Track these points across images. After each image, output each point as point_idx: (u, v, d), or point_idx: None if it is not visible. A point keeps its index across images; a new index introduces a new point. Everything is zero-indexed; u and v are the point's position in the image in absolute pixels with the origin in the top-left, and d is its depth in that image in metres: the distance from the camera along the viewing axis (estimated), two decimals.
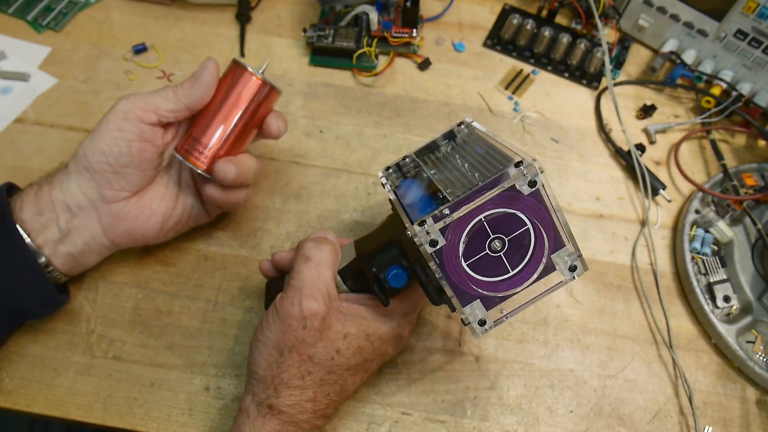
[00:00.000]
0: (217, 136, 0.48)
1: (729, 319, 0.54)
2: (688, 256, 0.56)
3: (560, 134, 0.65)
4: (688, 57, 0.67)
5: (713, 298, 0.55)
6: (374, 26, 0.67)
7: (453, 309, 0.41)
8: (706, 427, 0.51)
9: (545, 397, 0.51)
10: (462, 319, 0.40)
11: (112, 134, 0.46)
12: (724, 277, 0.56)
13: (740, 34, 0.62)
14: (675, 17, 0.66)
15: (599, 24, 0.68)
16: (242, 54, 0.68)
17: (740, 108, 0.64)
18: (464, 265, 0.39)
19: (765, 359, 0.52)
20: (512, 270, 0.40)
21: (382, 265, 0.44)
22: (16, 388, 0.49)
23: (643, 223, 0.60)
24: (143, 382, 0.49)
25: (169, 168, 0.52)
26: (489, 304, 0.40)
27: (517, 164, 0.38)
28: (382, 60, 0.68)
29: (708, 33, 0.65)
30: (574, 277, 0.41)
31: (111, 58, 0.67)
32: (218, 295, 0.54)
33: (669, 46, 0.68)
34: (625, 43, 0.71)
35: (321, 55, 0.68)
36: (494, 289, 0.40)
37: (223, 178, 0.48)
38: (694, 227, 0.58)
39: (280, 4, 0.72)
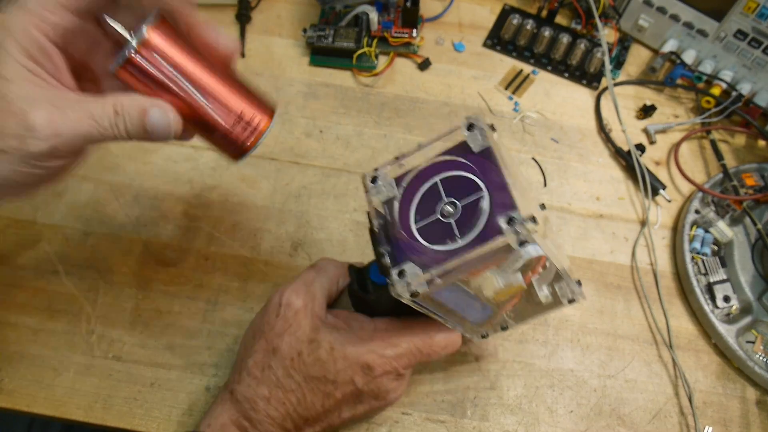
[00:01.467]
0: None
1: (729, 319, 0.54)
2: (688, 256, 0.56)
3: (560, 134, 0.65)
4: (688, 57, 0.67)
5: (713, 298, 0.55)
6: (374, 26, 0.67)
7: (386, 272, 0.37)
8: (706, 427, 0.51)
9: (545, 397, 0.51)
10: (391, 280, 0.36)
11: (27, 171, 0.36)
12: (724, 277, 0.56)
13: (740, 34, 0.62)
14: (675, 17, 0.66)
15: (599, 24, 0.68)
16: (242, 54, 0.68)
17: (740, 108, 0.64)
18: (413, 228, 0.37)
19: (765, 359, 0.52)
20: (461, 239, 0.36)
21: (368, 265, 0.44)
22: (16, 388, 0.49)
23: (643, 223, 0.60)
24: (143, 382, 0.49)
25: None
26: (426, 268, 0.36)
27: (470, 127, 0.38)
28: (382, 60, 0.68)
29: (708, 33, 0.65)
30: (522, 243, 0.34)
31: None
32: (218, 295, 0.54)
33: (669, 46, 0.68)
34: (625, 43, 0.71)
35: (321, 55, 0.68)
36: (439, 259, 0.36)
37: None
38: (694, 227, 0.58)
39: (280, 4, 0.72)
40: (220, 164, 0.60)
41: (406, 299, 0.36)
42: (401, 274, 0.36)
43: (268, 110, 0.40)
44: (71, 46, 0.36)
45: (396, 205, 0.39)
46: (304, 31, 0.68)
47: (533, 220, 0.33)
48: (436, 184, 0.38)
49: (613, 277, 0.57)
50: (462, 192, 0.37)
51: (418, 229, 0.37)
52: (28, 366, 0.50)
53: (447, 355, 0.45)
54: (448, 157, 0.38)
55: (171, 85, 0.36)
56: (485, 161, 0.37)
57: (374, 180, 0.40)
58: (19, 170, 0.35)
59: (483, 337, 0.46)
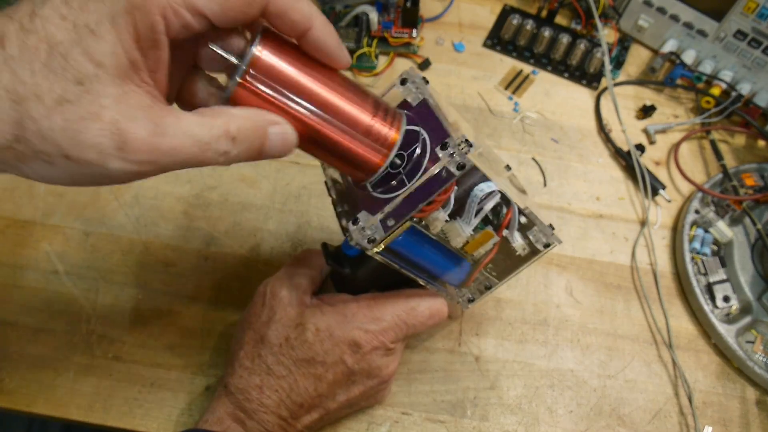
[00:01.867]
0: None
1: (729, 319, 0.54)
2: (687, 256, 0.56)
3: (560, 134, 0.65)
4: (688, 57, 0.67)
5: (713, 298, 0.55)
6: (374, 26, 0.67)
7: (344, 229, 0.37)
8: (706, 427, 0.51)
9: (545, 397, 0.51)
10: (347, 227, 0.36)
11: (78, 179, 0.29)
12: (724, 277, 0.56)
13: (740, 34, 0.62)
14: (675, 17, 0.66)
15: (599, 24, 0.68)
16: None
17: (740, 108, 0.64)
18: (368, 185, 0.37)
19: (765, 359, 0.52)
20: (408, 183, 0.36)
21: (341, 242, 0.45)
22: (16, 388, 0.49)
23: (643, 223, 0.60)
24: (143, 382, 0.49)
25: None
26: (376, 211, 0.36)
27: (403, 81, 0.39)
28: (382, 60, 0.68)
29: (708, 33, 0.65)
30: (461, 167, 0.34)
31: None
32: (218, 295, 0.54)
33: (669, 47, 0.68)
34: (624, 43, 0.71)
35: None
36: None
37: None
38: (694, 227, 0.58)
39: None
40: None
41: (367, 250, 0.36)
42: (355, 221, 0.36)
43: (397, 118, 0.36)
44: (183, 40, 0.29)
45: None
46: None
47: (467, 143, 0.34)
48: None
49: (613, 277, 0.57)
50: (408, 144, 0.37)
51: (371, 186, 0.37)
52: (28, 366, 0.50)
53: (434, 325, 0.45)
54: None
55: (289, 103, 0.32)
56: (425, 112, 0.38)
57: None
58: (75, 179, 0.28)
59: (470, 301, 0.46)
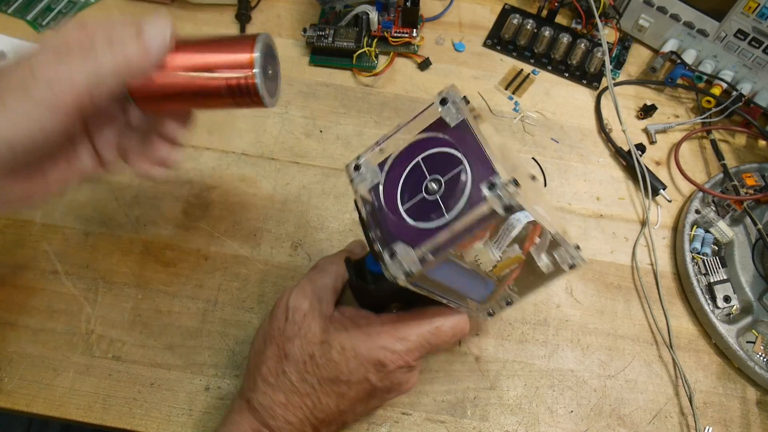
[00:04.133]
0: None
1: (729, 319, 0.54)
2: (688, 256, 0.56)
3: (560, 134, 0.65)
4: (689, 57, 0.67)
5: (713, 298, 0.55)
6: (374, 26, 0.67)
7: (378, 257, 0.36)
8: (707, 428, 0.50)
9: (545, 397, 0.51)
10: (383, 262, 0.36)
11: (27, 130, 0.33)
12: (725, 277, 0.56)
13: (740, 34, 0.62)
14: (675, 17, 0.66)
15: (599, 24, 0.68)
16: None
17: (740, 108, 0.64)
18: (401, 209, 0.37)
19: (765, 359, 0.52)
20: (448, 214, 0.35)
21: (364, 256, 0.44)
22: (16, 388, 0.49)
23: (644, 223, 0.60)
24: (143, 382, 0.49)
25: None
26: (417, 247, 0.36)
27: (443, 101, 0.38)
28: (382, 60, 0.68)
29: (708, 33, 0.65)
30: (507, 209, 0.33)
31: None
32: (218, 295, 0.54)
33: (669, 46, 0.68)
34: (625, 43, 0.71)
35: (321, 55, 0.68)
36: (431, 236, 0.35)
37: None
38: (695, 227, 0.58)
39: (280, 4, 0.72)
40: (220, 164, 0.60)
41: (401, 281, 0.35)
42: (392, 255, 0.35)
43: (244, 43, 0.39)
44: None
45: (381, 189, 0.39)
46: (304, 31, 0.68)
47: (515, 182, 0.33)
48: (418, 163, 0.38)
49: (613, 277, 0.57)
50: (445, 168, 0.36)
51: (405, 210, 0.37)
52: (28, 366, 0.49)
53: (456, 342, 0.45)
54: (427, 135, 0.39)
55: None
56: (463, 134, 0.37)
57: (357, 168, 0.40)
58: (23, 130, 0.32)
59: (490, 315, 0.46)
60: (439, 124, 0.38)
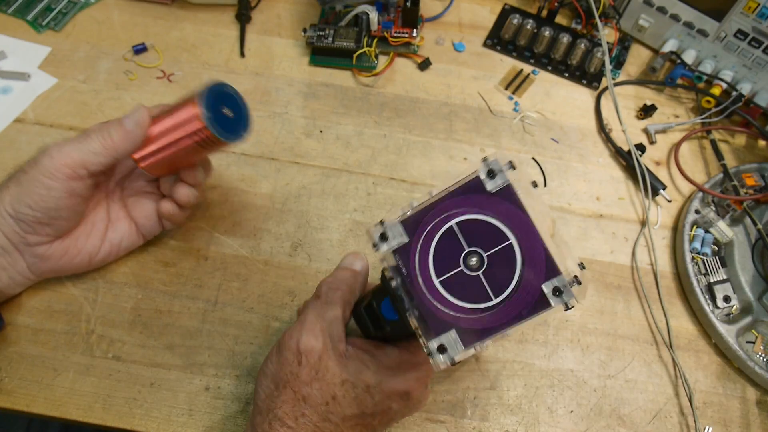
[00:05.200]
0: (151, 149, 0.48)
1: (729, 319, 0.54)
2: (688, 256, 0.56)
3: (560, 134, 0.65)
4: (688, 57, 0.67)
5: (713, 298, 0.55)
6: (374, 26, 0.67)
7: (412, 332, 0.35)
8: (706, 428, 0.50)
9: (545, 397, 0.51)
10: (428, 350, 0.35)
11: (39, 191, 0.45)
12: (724, 277, 0.56)
13: (740, 34, 0.62)
14: (675, 17, 0.66)
15: (599, 24, 0.68)
16: (242, 54, 0.68)
17: (740, 108, 0.64)
18: (435, 281, 0.35)
19: (765, 359, 0.52)
20: (495, 297, 0.34)
21: (377, 295, 0.42)
22: (16, 388, 0.48)
23: (643, 223, 0.60)
24: (143, 382, 0.49)
25: (96, 206, 0.51)
26: (466, 338, 0.34)
27: (490, 173, 0.35)
28: (382, 60, 0.68)
29: (708, 33, 0.65)
30: (569, 308, 0.33)
31: (111, 58, 0.66)
32: (218, 295, 0.54)
33: (669, 46, 0.68)
34: (625, 43, 0.71)
35: (321, 55, 0.68)
36: (471, 318, 0.34)
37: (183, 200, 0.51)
38: (694, 227, 0.58)
39: (280, 4, 0.72)
40: (220, 164, 0.60)
41: (444, 366, 0.35)
42: (441, 349, 0.34)
43: (189, 100, 0.46)
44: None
45: (412, 255, 0.36)
46: (304, 31, 0.68)
47: (577, 280, 0.32)
48: (451, 228, 0.35)
49: (613, 277, 0.57)
50: (485, 239, 0.34)
51: (441, 282, 0.35)
52: (28, 366, 0.49)
53: None
54: (460, 196, 0.35)
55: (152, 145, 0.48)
56: (504, 202, 0.34)
57: (384, 237, 0.37)
58: (36, 190, 0.45)
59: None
60: (473, 185, 0.35)
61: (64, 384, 0.49)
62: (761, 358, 0.52)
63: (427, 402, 0.46)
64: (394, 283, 0.36)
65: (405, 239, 0.36)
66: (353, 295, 0.44)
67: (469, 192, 0.35)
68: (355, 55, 0.66)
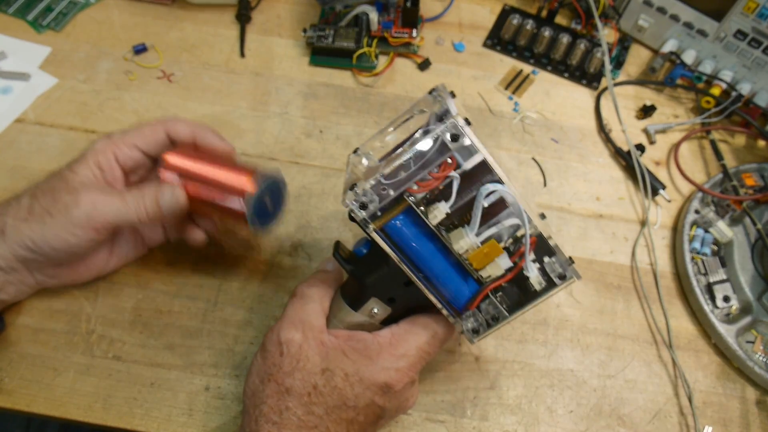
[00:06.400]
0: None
1: (729, 319, 0.54)
2: (687, 256, 0.56)
3: (560, 134, 0.65)
4: (688, 57, 0.67)
5: (713, 298, 0.55)
6: (374, 26, 0.67)
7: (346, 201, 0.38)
8: (706, 427, 0.51)
9: (545, 397, 0.51)
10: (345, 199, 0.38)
11: (66, 238, 0.45)
12: (724, 277, 0.56)
13: (740, 34, 0.62)
14: (675, 17, 0.66)
15: (599, 24, 0.68)
16: (242, 54, 0.68)
17: (740, 108, 0.64)
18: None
19: (765, 359, 0.52)
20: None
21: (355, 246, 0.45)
22: (16, 388, 0.49)
23: (643, 223, 0.60)
24: (143, 382, 0.49)
25: None
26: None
27: (440, 117, 0.39)
28: (382, 60, 0.68)
29: (708, 33, 0.65)
30: (455, 137, 0.36)
31: (111, 58, 0.67)
32: (218, 295, 0.54)
33: (669, 47, 0.68)
34: (625, 43, 0.71)
35: (321, 55, 0.68)
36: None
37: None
38: (694, 227, 0.58)
39: (280, 4, 0.72)
40: None
41: (366, 227, 0.37)
42: (352, 187, 0.37)
43: (248, 174, 0.46)
44: (131, 167, 0.50)
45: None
46: (304, 31, 0.68)
47: (466, 120, 0.35)
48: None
49: (613, 277, 0.57)
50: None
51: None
52: (28, 366, 0.50)
53: (446, 344, 0.45)
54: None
55: (186, 178, 0.48)
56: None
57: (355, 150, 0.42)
58: (61, 236, 0.45)
59: (475, 332, 0.43)
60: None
61: (65, 384, 0.49)
62: (761, 358, 0.52)
63: (416, 402, 0.46)
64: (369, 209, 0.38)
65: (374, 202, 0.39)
66: (328, 291, 0.45)
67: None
68: (355, 55, 0.66)
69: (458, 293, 0.42)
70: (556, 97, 0.67)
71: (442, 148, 0.36)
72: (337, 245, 0.45)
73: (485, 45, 0.71)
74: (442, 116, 0.39)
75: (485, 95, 0.67)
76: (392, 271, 0.41)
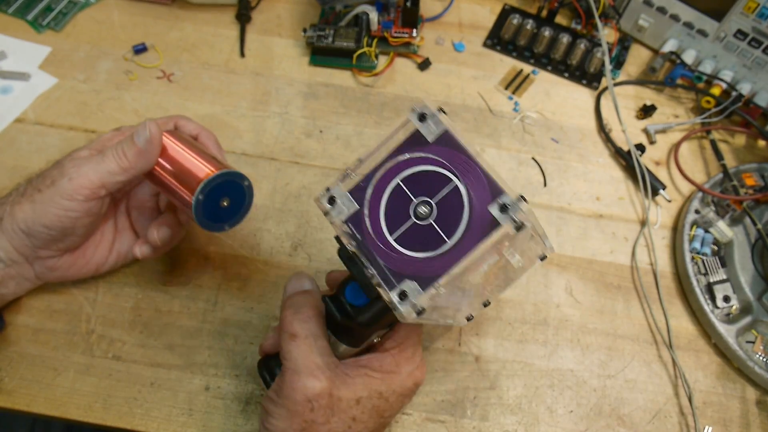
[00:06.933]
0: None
1: (729, 319, 0.54)
2: (688, 256, 0.56)
3: (560, 134, 0.65)
4: (688, 57, 0.67)
5: (713, 298, 0.55)
6: (374, 26, 0.67)
7: (375, 294, 0.35)
8: (706, 427, 0.51)
9: (545, 397, 0.51)
10: (391, 302, 0.35)
11: (57, 212, 0.45)
12: (724, 277, 0.56)
13: (740, 34, 0.62)
14: (675, 17, 0.66)
15: (599, 24, 0.68)
16: (242, 54, 0.68)
17: (740, 108, 0.64)
18: (390, 239, 0.34)
19: (765, 359, 0.52)
20: (449, 239, 0.34)
21: (340, 286, 0.41)
22: (16, 388, 0.49)
23: (643, 223, 0.60)
24: (143, 382, 0.49)
25: (105, 218, 0.51)
26: (427, 284, 0.34)
27: (422, 117, 0.36)
28: (382, 60, 0.68)
29: (708, 33, 0.65)
30: (519, 228, 0.33)
31: (111, 58, 0.67)
32: (218, 295, 0.54)
33: (669, 46, 0.68)
34: (625, 43, 0.71)
35: (321, 55, 0.68)
36: (433, 266, 0.34)
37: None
38: (694, 227, 0.58)
39: (280, 4, 0.72)
40: None
41: (412, 319, 0.34)
42: (402, 296, 0.33)
43: (211, 169, 0.45)
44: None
45: (365, 219, 0.36)
46: (304, 31, 0.68)
47: (523, 198, 0.32)
48: (398, 186, 0.36)
49: (613, 277, 0.57)
50: (431, 188, 0.35)
51: (396, 240, 0.35)
52: (28, 366, 0.50)
53: None
54: (403, 156, 0.36)
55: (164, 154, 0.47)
56: (445, 148, 0.35)
57: (332, 201, 0.38)
58: (51, 210, 0.44)
59: (468, 319, 0.43)
60: (413, 142, 0.36)
61: (65, 384, 0.49)
62: (761, 358, 0.52)
63: (415, 401, 0.47)
64: (351, 247, 0.36)
65: (355, 207, 0.36)
66: (321, 315, 0.42)
67: (409, 146, 0.36)
68: (355, 55, 0.66)
69: (462, 305, 0.42)
70: (556, 97, 0.67)
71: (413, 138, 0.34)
72: (334, 304, 0.42)
73: (485, 45, 0.71)
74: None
75: (485, 95, 0.67)
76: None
